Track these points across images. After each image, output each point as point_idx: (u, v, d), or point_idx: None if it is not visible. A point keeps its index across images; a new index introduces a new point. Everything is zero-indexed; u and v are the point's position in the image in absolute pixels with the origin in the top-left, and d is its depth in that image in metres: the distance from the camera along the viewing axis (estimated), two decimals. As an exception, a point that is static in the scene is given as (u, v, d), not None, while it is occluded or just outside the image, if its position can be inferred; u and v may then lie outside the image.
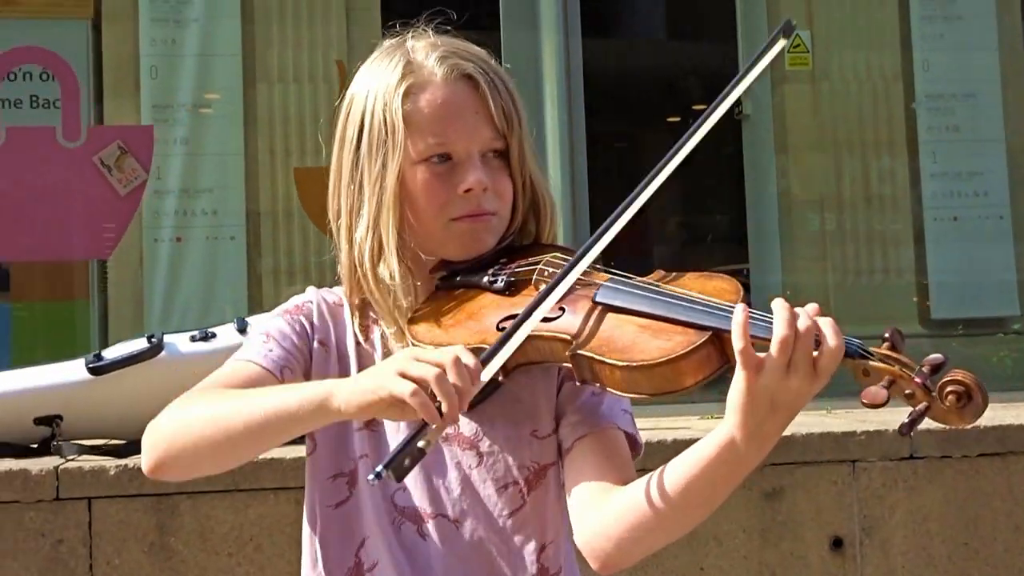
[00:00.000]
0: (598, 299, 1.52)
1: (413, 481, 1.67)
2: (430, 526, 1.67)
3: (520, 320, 1.49)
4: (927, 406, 1.33)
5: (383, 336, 1.72)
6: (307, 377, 1.68)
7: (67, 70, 5.37)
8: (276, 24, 5.91)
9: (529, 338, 1.49)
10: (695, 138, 1.55)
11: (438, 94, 1.66)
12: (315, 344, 1.71)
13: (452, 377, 1.37)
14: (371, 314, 1.74)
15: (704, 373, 1.43)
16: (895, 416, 1.37)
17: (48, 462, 3.14)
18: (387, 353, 1.70)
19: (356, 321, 1.73)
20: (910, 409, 1.34)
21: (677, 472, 1.47)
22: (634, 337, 1.46)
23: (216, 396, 1.57)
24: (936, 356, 1.35)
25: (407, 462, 1.36)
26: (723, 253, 8.69)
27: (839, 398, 4.82)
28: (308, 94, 5.91)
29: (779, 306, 1.38)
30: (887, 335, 1.39)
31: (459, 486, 1.67)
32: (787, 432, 3.24)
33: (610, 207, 1.56)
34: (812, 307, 1.39)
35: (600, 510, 1.55)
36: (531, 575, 1.66)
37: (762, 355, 1.37)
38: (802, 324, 1.37)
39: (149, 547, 3.07)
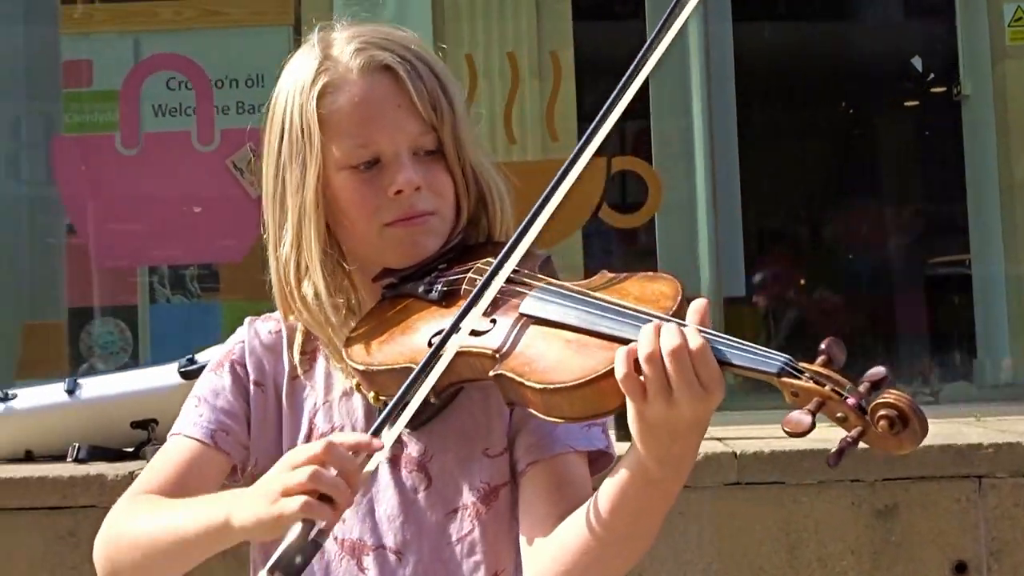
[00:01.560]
0: (523, 310, 1.39)
1: (352, 510, 1.55)
2: (369, 559, 1.56)
3: (430, 355, 1.36)
4: (861, 431, 1.19)
5: (328, 360, 1.62)
6: (249, 427, 1.61)
7: (201, 75, 5.51)
8: (466, 22, 5.85)
9: (459, 354, 1.38)
10: (604, 129, 1.44)
11: (355, 91, 1.52)
12: (251, 388, 1.63)
13: (332, 466, 1.29)
14: (312, 336, 1.63)
15: None
16: None
17: (136, 465, 3.17)
18: (329, 384, 1.61)
19: (298, 348, 1.63)
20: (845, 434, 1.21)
21: (601, 508, 1.37)
22: (558, 354, 1.34)
23: (139, 518, 1.52)
24: (877, 371, 1.22)
25: (299, 559, 1.27)
26: (942, 243, 8.15)
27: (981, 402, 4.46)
28: (499, 90, 5.81)
29: (645, 328, 1.27)
30: (823, 347, 1.24)
31: (401, 513, 1.55)
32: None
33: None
34: (694, 310, 1.28)
35: (540, 549, 1.45)
36: None
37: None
38: (667, 342, 1.25)
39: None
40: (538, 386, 1.31)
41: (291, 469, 1.31)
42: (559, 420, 1.34)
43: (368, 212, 1.53)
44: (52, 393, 3.40)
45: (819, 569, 3.15)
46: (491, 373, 1.36)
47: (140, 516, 1.52)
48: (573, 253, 5.61)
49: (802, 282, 9.16)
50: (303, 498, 1.27)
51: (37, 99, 5.62)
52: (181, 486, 1.56)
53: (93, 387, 3.41)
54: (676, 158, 5.38)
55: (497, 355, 1.36)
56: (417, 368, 1.35)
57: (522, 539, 1.49)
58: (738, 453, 3.15)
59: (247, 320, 1.68)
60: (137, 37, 5.71)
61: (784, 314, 7.74)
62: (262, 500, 1.32)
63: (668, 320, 1.28)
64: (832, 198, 8.98)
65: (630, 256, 6.31)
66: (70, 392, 3.39)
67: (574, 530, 1.40)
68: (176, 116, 5.31)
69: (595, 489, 1.41)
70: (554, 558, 1.42)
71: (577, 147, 1.43)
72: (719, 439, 3.28)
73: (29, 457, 3.37)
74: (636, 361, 1.26)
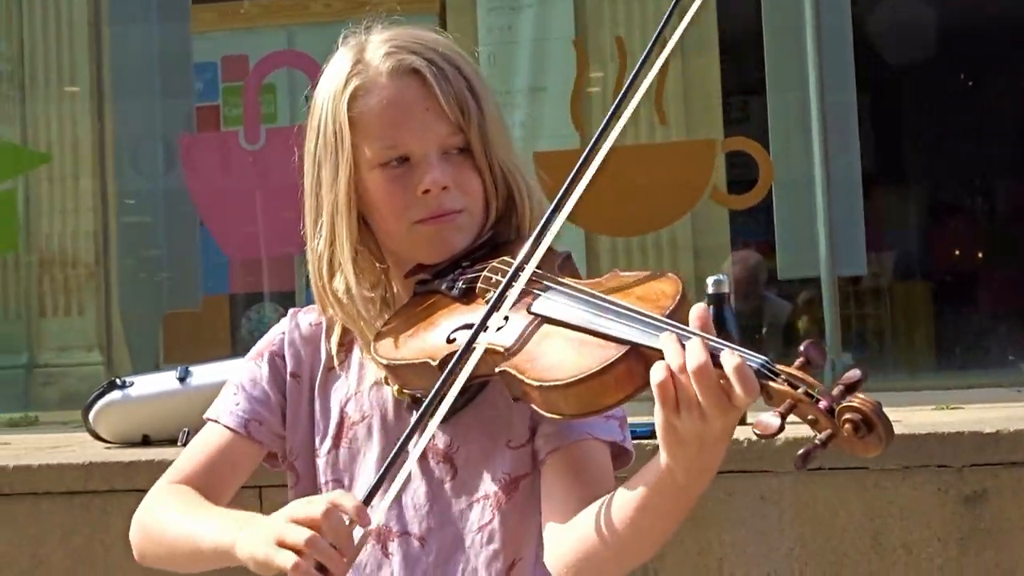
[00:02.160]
0: (533, 309, 1.44)
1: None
2: (394, 545, 1.61)
3: (457, 357, 1.40)
4: (831, 433, 1.20)
5: (362, 351, 1.66)
6: (284, 419, 1.67)
7: (316, 68, 5.58)
8: (607, 5, 5.84)
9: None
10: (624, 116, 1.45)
11: (384, 94, 1.56)
12: (288, 379, 1.69)
13: (328, 535, 1.33)
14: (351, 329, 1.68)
15: (625, 391, 1.33)
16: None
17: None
18: (362, 375, 1.66)
19: (336, 339, 1.68)
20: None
21: (623, 504, 1.38)
22: (559, 353, 1.37)
23: (169, 513, 1.60)
24: (852, 373, 1.21)
25: None
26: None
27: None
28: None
29: (667, 339, 1.28)
30: (802, 349, 1.24)
31: (428, 501, 1.60)
32: (991, 428, 2.96)
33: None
34: (695, 317, 1.28)
35: (560, 535, 1.48)
36: None
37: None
38: (692, 359, 1.25)
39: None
40: (535, 383, 1.35)
41: (289, 523, 1.35)
42: (558, 417, 1.36)
43: (398, 210, 1.57)
44: (165, 381, 3.59)
45: (904, 556, 3.05)
46: (497, 369, 1.40)
47: (170, 513, 1.60)
48: (695, 233, 5.53)
49: (979, 255, 8.95)
50: (294, 559, 1.32)
51: (170, 97, 5.80)
52: (213, 474, 1.64)
53: (202, 375, 3.58)
54: (791, 135, 5.28)
55: (506, 352, 1.40)
56: (443, 375, 1.40)
57: (544, 524, 1.51)
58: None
59: (290, 312, 1.73)
60: (290, 31, 5.88)
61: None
62: (262, 539, 1.38)
63: (668, 324, 1.30)
64: (1009, 169, 8.70)
65: (749, 234, 6.21)
66: (181, 380, 3.58)
67: (595, 522, 1.41)
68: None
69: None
70: (573, 546, 1.44)
71: (591, 144, 1.46)
72: (799, 422, 3.21)
73: (146, 441, 3.56)
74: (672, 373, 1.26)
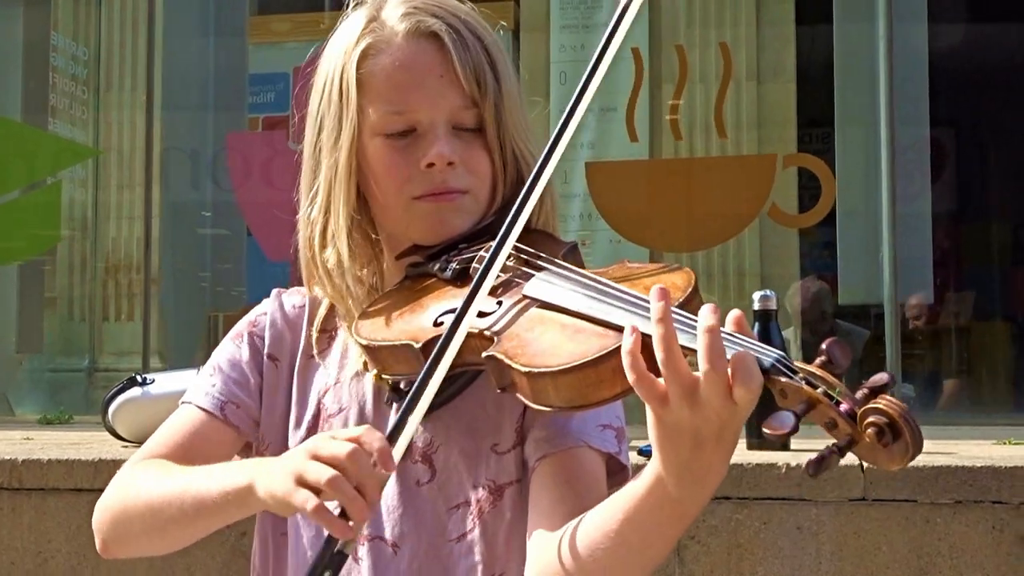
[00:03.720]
0: (527, 292, 1.31)
1: None
2: (363, 549, 1.46)
3: (444, 339, 1.27)
4: (850, 439, 1.06)
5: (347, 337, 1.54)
6: (260, 397, 1.54)
7: None
8: (684, 26, 5.73)
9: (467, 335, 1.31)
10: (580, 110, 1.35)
11: (397, 55, 1.43)
12: (265, 360, 1.56)
13: (352, 477, 1.18)
14: (336, 313, 1.55)
15: (623, 384, 1.17)
16: None
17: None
18: (343, 364, 1.53)
19: (317, 325, 1.56)
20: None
21: (610, 515, 1.23)
22: (552, 339, 1.25)
23: (150, 478, 1.44)
24: (879, 377, 1.07)
25: (328, 574, 1.20)
26: None
27: None
28: (715, 92, 5.68)
29: (659, 326, 1.12)
30: (823, 347, 1.11)
31: (401, 504, 1.46)
32: (1053, 461, 2.71)
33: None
34: (716, 316, 1.11)
35: (544, 547, 1.33)
36: None
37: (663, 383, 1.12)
38: (704, 338, 1.10)
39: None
40: (524, 369, 1.22)
41: (310, 460, 1.20)
42: (547, 409, 1.23)
43: (398, 182, 1.44)
44: (185, 379, 3.43)
45: (955, 598, 2.80)
46: (484, 354, 1.27)
47: (153, 478, 1.44)
48: (742, 252, 5.39)
49: None
50: (316, 502, 1.18)
51: (225, 110, 5.77)
52: (186, 456, 1.48)
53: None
54: (858, 160, 5.10)
55: (494, 336, 1.28)
56: (429, 359, 1.26)
57: (529, 536, 1.37)
58: (866, 466, 2.83)
59: (274, 291, 1.61)
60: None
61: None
62: (282, 477, 1.23)
63: (676, 314, 1.15)
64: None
65: (818, 267, 6.06)
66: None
67: (579, 536, 1.27)
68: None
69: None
70: (555, 560, 1.29)
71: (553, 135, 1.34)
72: None
73: (167, 440, 3.40)
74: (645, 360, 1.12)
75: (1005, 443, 3.28)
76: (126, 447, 3.43)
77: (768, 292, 3.21)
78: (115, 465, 3.11)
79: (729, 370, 1.08)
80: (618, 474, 1.41)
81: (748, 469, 2.88)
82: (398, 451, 1.23)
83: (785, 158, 5.01)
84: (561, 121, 1.34)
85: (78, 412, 5.05)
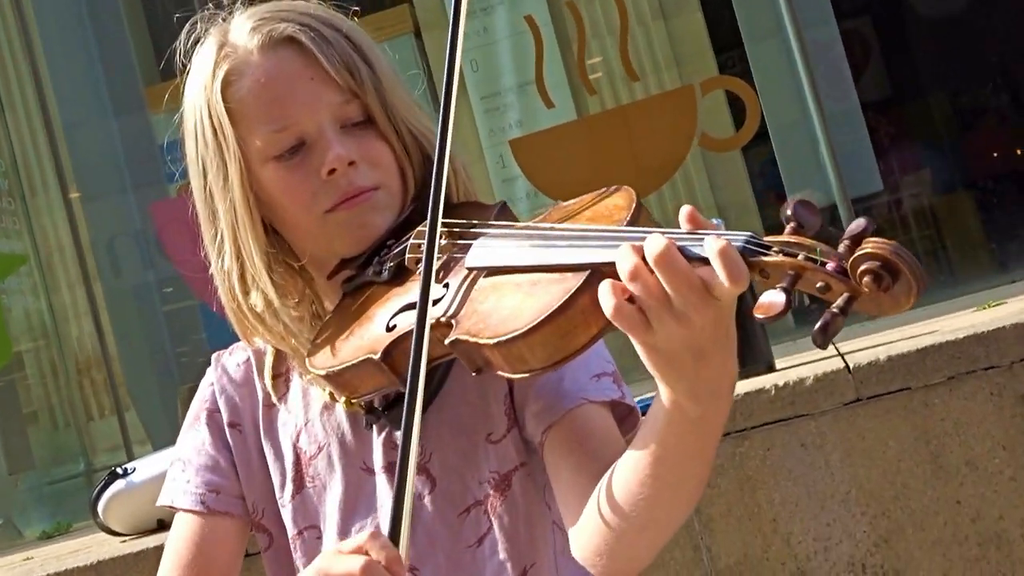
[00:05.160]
0: (468, 263, 1.25)
1: (356, 530, 1.42)
2: None
3: (416, 342, 1.21)
4: (848, 296, 0.98)
5: (302, 376, 1.48)
6: (235, 471, 1.50)
7: None
8: None
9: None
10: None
11: (259, 73, 1.37)
12: (228, 431, 1.51)
13: None
14: (284, 355, 1.49)
15: (598, 324, 1.12)
16: None
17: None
18: (307, 402, 1.47)
19: (268, 372, 1.50)
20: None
21: (636, 464, 1.17)
22: (510, 302, 1.18)
23: None
24: (856, 224, 1.00)
25: None
26: None
27: None
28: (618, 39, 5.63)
29: (623, 247, 1.05)
30: (788, 211, 1.03)
31: (410, 525, 1.38)
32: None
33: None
34: (684, 218, 1.06)
35: (585, 520, 1.26)
36: None
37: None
38: (652, 247, 1.03)
39: None
40: (492, 341, 1.15)
41: None
42: (527, 374, 1.16)
43: (304, 201, 1.37)
44: (165, 458, 3.33)
45: (970, 473, 2.74)
46: (446, 342, 1.20)
47: None
48: (692, 190, 5.34)
49: (1019, 152, 8.57)
50: None
51: (144, 186, 5.68)
52: (202, 568, 1.46)
53: (201, 445, 3.34)
54: (775, 72, 5.09)
55: (451, 321, 1.22)
56: (409, 368, 1.21)
57: (562, 514, 1.31)
58: (852, 366, 2.78)
59: (213, 358, 1.55)
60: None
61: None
62: None
63: (628, 233, 1.10)
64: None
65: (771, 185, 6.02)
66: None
67: (611, 495, 1.20)
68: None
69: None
70: (596, 529, 1.22)
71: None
72: (827, 357, 2.91)
73: (162, 526, 3.32)
74: (620, 289, 1.05)
75: (985, 307, 3.23)
76: (124, 542, 3.34)
77: (716, 221, 3.13)
78: (115, 564, 3.08)
79: (713, 265, 1.01)
80: (628, 417, 1.37)
81: (737, 400, 2.81)
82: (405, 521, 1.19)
83: (702, 85, 4.95)
84: (443, 91, 1.28)
85: (85, 518, 4.98)
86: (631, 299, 1.04)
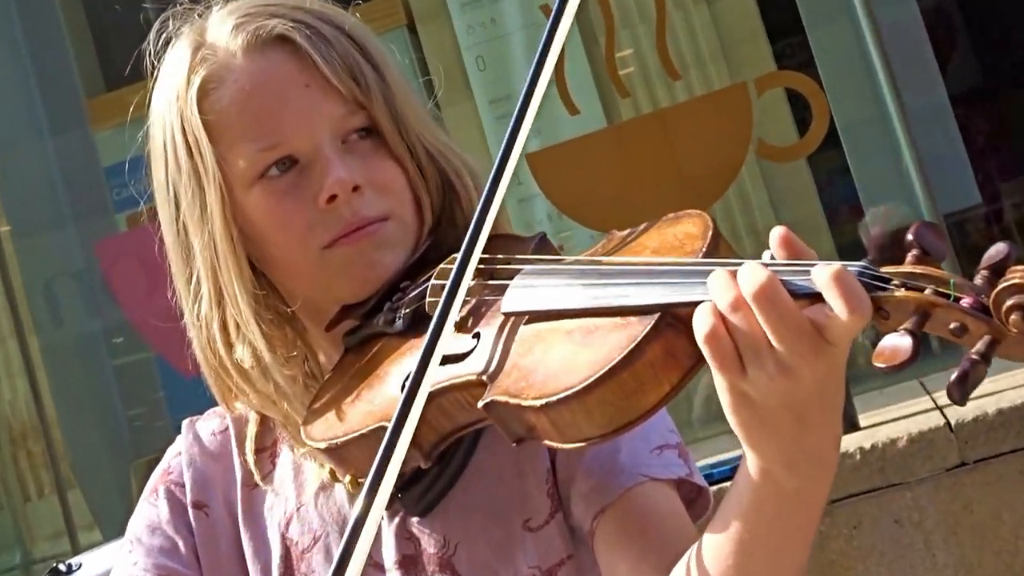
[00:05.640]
0: (506, 308, 1.25)
1: None
2: None
3: (401, 404, 1.20)
4: (991, 340, 1.00)
5: (294, 450, 1.49)
6: (196, 558, 1.50)
7: None
8: None
9: (440, 392, 1.24)
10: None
11: (244, 79, 1.38)
12: (191, 511, 1.51)
13: None
14: (271, 424, 1.50)
15: (670, 379, 1.13)
16: None
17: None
18: (300, 482, 1.48)
19: (251, 446, 1.50)
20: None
21: (718, 550, 1.17)
22: (561, 352, 1.18)
23: None
24: (996, 250, 1.01)
25: None
26: None
27: None
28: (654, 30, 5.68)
29: (713, 277, 1.07)
30: (911, 236, 1.04)
31: None
32: None
33: None
34: (776, 243, 1.08)
35: None
36: None
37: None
38: (748, 281, 1.04)
39: None
40: (538, 403, 1.15)
41: None
42: (580, 444, 1.17)
43: (299, 234, 1.37)
44: (113, 552, 3.31)
45: (1104, 554, 2.72)
46: (480, 404, 1.21)
47: None
48: (748, 208, 5.32)
49: None
50: None
51: (87, 217, 5.70)
52: None
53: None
54: (844, 63, 5.12)
55: (485, 378, 1.22)
56: (391, 425, 1.20)
57: None
58: (954, 423, 2.79)
59: (185, 424, 1.56)
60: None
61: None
62: None
63: (709, 265, 1.10)
64: None
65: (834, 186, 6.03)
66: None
67: None
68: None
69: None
70: None
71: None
72: (923, 411, 2.92)
73: (112, 634, 3.30)
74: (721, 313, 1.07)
75: None
76: (70, 652, 3.33)
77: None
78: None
79: (828, 297, 1.01)
80: (697, 500, 1.38)
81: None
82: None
83: (756, 82, 4.96)
84: (515, 114, 1.31)
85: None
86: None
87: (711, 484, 1.48)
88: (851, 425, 3.02)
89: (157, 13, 1.48)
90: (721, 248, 1.16)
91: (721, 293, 1.04)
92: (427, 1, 5.96)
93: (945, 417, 2.80)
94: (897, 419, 2.98)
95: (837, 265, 1.01)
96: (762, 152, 4.91)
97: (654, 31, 5.05)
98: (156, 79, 1.45)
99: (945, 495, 2.79)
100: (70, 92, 5.86)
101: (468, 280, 1.24)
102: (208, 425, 1.54)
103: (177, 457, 1.54)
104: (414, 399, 1.19)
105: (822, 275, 1.00)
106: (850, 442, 2.86)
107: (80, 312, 5.87)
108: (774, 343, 1.03)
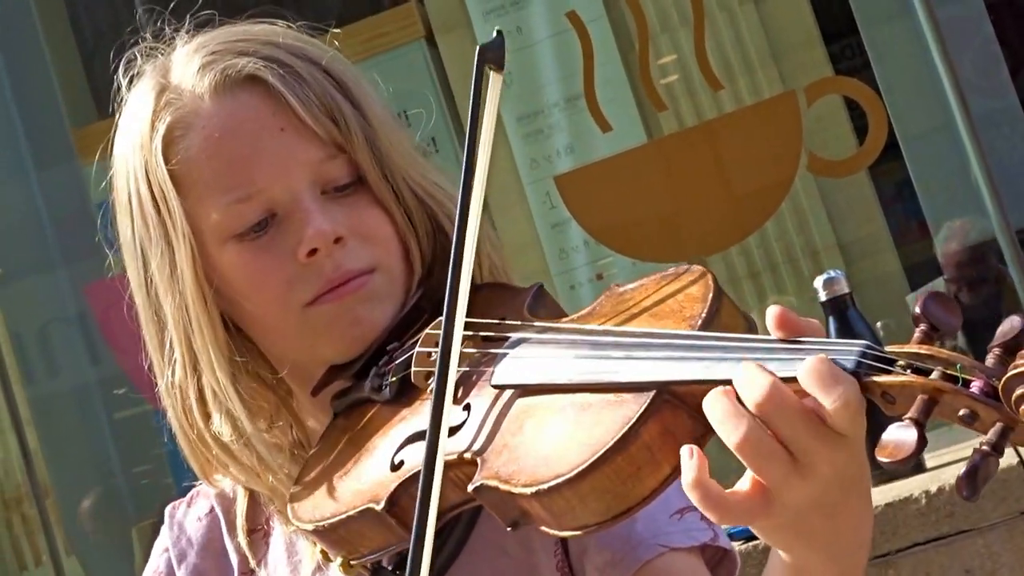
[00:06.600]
0: (497, 381, 1.28)
1: None
2: None
3: (422, 494, 1.23)
4: (1003, 428, 1.01)
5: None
6: None
7: None
8: None
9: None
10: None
11: (212, 124, 1.40)
12: None
13: None
14: (259, 499, 1.53)
15: (669, 461, 1.14)
16: None
17: None
18: (295, 563, 1.50)
19: (242, 528, 1.53)
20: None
21: None
22: (553, 433, 1.20)
23: None
24: (1010, 325, 1.02)
25: None
26: None
27: None
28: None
29: (713, 398, 1.09)
30: (918, 309, 1.07)
31: None
32: None
33: None
34: (769, 320, 1.10)
35: None
36: None
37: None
38: (749, 391, 1.06)
39: None
40: (529, 490, 1.17)
41: None
42: (578, 531, 1.19)
43: (278, 292, 1.40)
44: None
45: None
46: (470, 488, 1.23)
47: None
48: (805, 225, 5.30)
49: None
50: None
51: (76, 259, 5.74)
52: None
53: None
54: (905, 66, 5.11)
55: (476, 458, 1.24)
56: (415, 521, 1.23)
57: None
58: None
59: (167, 512, 1.59)
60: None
61: None
62: None
63: (701, 339, 1.14)
64: None
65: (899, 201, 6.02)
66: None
67: None
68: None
69: None
70: None
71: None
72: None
73: None
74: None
75: None
76: None
77: (833, 273, 3.18)
78: None
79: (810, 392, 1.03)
80: (723, 562, 1.39)
81: (877, 515, 2.79)
82: None
83: (807, 90, 4.96)
84: (464, 160, 1.32)
85: None
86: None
87: (735, 541, 1.50)
88: (916, 466, 3.01)
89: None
90: (723, 311, 1.18)
91: (752, 386, 1.06)
92: (447, 10, 6.00)
93: (1019, 454, 2.78)
94: (966, 459, 2.93)
95: (815, 358, 1.03)
96: (813, 166, 4.93)
97: (694, 34, 5.08)
98: (117, 124, 1.47)
99: (1021, 541, 2.80)
100: (55, 122, 5.92)
101: (455, 369, 1.25)
102: (193, 512, 1.58)
103: (164, 554, 1.57)
104: (427, 516, 1.22)
105: (801, 370, 1.03)
106: (915, 485, 2.85)
107: (73, 362, 5.92)
108: (788, 444, 1.05)
